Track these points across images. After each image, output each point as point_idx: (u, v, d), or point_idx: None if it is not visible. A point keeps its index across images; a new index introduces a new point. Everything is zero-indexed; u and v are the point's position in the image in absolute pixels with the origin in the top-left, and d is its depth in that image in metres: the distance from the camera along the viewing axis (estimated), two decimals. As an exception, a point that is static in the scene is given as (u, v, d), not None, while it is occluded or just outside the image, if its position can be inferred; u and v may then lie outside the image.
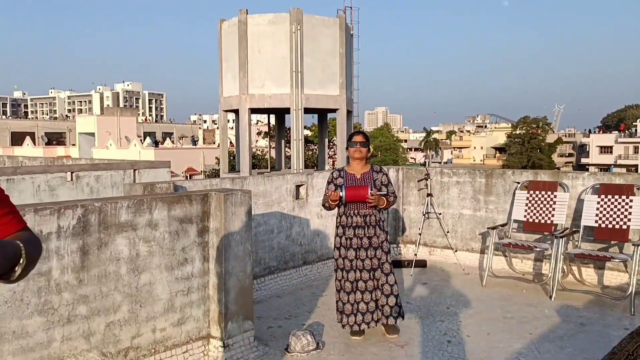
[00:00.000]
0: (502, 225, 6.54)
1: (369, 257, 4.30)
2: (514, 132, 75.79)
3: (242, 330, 4.20)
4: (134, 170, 10.03)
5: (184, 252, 4.02)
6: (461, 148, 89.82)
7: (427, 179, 7.31)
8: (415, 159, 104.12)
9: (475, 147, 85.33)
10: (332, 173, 4.40)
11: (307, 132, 45.96)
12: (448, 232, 7.17)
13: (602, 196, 6.06)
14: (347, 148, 4.39)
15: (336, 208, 4.42)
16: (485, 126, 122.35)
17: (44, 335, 3.23)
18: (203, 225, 4.13)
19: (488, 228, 6.47)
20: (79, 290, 3.39)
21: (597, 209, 6.06)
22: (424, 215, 7.20)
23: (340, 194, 4.23)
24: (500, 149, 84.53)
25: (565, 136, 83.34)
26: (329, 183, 4.39)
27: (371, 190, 4.27)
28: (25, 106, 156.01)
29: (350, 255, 4.32)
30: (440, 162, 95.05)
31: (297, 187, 6.36)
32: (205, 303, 4.09)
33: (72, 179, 9.26)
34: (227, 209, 4.11)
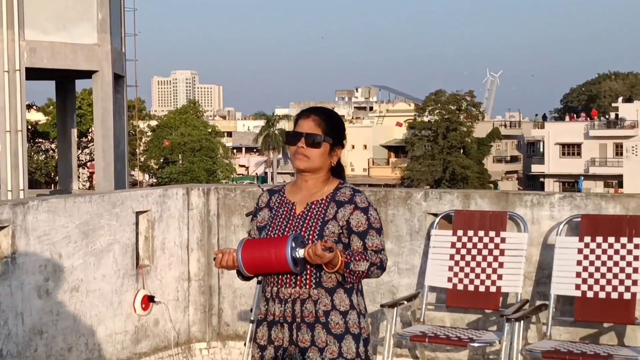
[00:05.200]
0: (409, 299, 6.59)
1: None
2: (420, 119, 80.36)
3: None
4: None
5: None
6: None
7: None
8: (247, 169, 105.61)
9: (353, 146, 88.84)
10: (259, 197, 4.27)
11: (37, 117, 44.19)
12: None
13: (587, 238, 6.27)
14: (286, 142, 4.15)
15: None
16: (372, 108, 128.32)
17: None
18: None
19: (381, 305, 6.46)
20: None
21: (579, 262, 6.24)
22: (258, 282, 6.95)
23: (237, 254, 3.91)
24: (397, 148, 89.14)
25: (505, 126, 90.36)
26: (251, 218, 4.25)
27: (299, 241, 3.87)
28: None
29: None
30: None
31: (-9, 232, 6.08)
32: None
33: None
34: None
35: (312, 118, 4.04)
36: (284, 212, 4.06)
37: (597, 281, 6.15)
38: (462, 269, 6.56)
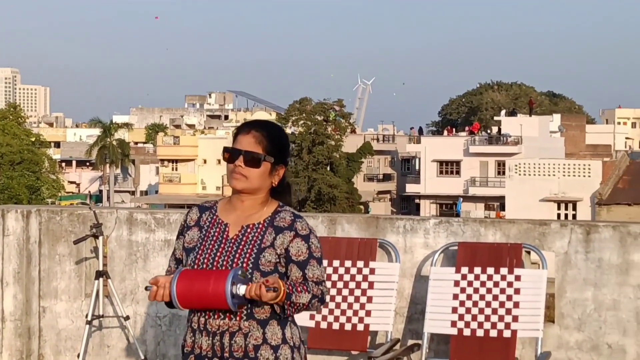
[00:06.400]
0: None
1: None
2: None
3: None
4: None
5: None
6: (177, 160, 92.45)
7: (96, 237, 7.19)
8: (78, 186, 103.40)
9: (205, 161, 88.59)
10: (188, 213, 4.40)
11: None
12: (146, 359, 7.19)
13: (465, 269, 6.43)
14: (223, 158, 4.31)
15: None
16: (227, 116, 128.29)
17: None
18: None
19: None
20: None
21: (456, 296, 6.38)
22: (88, 322, 7.03)
23: (172, 285, 4.00)
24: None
25: (377, 140, 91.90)
26: (177, 236, 4.38)
27: (242, 276, 3.99)
28: None
29: None
30: (133, 192, 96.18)
31: None
32: None
33: None
34: None
35: (252, 134, 4.19)
36: (216, 234, 4.21)
37: (474, 317, 6.30)
38: (325, 305, 6.57)
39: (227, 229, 4.21)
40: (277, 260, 4.11)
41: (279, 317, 4.12)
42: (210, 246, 4.16)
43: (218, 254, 4.12)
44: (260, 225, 4.17)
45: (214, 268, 4.10)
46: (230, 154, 4.21)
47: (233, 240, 4.16)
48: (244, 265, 4.08)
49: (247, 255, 4.10)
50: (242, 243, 4.14)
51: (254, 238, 4.15)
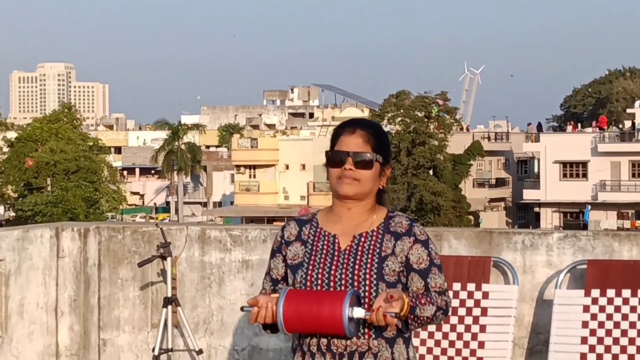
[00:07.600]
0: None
1: None
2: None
3: None
4: None
5: None
6: (255, 166, 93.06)
7: (163, 258, 7.26)
8: (143, 197, 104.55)
9: (287, 166, 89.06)
10: (283, 227, 4.54)
11: None
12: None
13: (596, 292, 6.34)
14: (326, 163, 4.45)
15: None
16: (312, 114, 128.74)
17: None
18: None
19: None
20: None
21: (585, 324, 6.31)
22: (155, 357, 7.10)
23: (278, 307, 4.10)
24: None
25: (488, 139, 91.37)
26: (273, 254, 4.51)
27: (365, 295, 4.18)
28: None
29: None
30: (205, 204, 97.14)
31: None
32: None
33: None
34: None
35: (358, 133, 4.35)
36: (325, 247, 4.35)
37: (608, 349, 6.22)
38: (431, 335, 6.57)
39: (336, 240, 4.34)
40: (401, 269, 4.25)
41: (404, 336, 4.28)
42: (322, 260, 4.29)
43: (333, 267, 4.25)
44: (375, 233, 4.32)
45: (332, 282, 4.21)
46: (336, 158, 4.32)
47: (347, 252, 4.29)
48: (367, 276, 4.19)
49: (369, 265, 4.24)
50: (359, 253, 4.28)
51: (372, 246, 4.30)
